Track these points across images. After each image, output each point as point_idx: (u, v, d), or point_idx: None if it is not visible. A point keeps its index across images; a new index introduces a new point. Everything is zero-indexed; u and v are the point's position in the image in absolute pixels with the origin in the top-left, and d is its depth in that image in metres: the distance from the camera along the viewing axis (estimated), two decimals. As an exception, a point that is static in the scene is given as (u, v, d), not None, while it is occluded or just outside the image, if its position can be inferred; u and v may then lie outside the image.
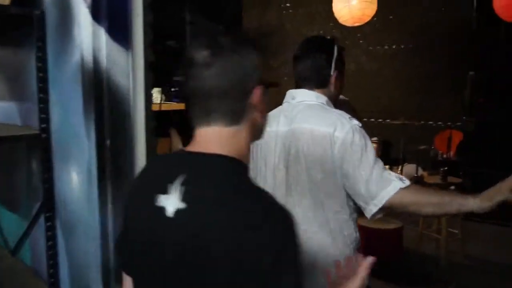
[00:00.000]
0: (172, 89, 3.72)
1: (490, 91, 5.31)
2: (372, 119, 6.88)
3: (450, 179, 4.77)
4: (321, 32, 7.48)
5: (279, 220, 0.88)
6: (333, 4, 5.19)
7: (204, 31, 1.07)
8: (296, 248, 0.87)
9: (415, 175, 5.02)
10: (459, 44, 6.00)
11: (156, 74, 1.88)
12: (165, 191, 0.92)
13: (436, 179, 4.79)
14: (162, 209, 0.92)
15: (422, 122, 6.35)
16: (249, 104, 0.97)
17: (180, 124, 3.57)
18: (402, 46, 6.65)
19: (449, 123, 6.05)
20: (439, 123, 6.30)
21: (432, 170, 5.20)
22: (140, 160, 1.82)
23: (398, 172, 5.45)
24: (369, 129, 1.80)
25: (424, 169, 5.54)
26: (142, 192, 1.01)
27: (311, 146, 1.62)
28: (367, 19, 5.12)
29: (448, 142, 5.41)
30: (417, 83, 6.48)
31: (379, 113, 6.90)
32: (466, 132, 5.25)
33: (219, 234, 0.85)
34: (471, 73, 5.67)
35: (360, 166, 1.55)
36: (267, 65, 8.24)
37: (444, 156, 5.75)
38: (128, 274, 1.08)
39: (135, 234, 1.01)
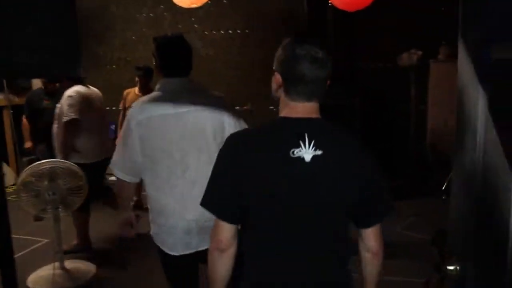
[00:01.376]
0: None
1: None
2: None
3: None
4: (151, 15, 6.84)
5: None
6: (166, -16, 4.66)
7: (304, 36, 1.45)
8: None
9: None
10: (295, 28, 6.06)
11: None
12: (298, 145, 1.30)
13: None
14: (299, 159, 1.30)
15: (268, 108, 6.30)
16: None
17: None
18: (238, 31, 6.46)
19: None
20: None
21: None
22: None
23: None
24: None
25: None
26: (273, 150, 1.33)
27: None
28: (205, 0, 4.72)
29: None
30: (256, 70, 6.40)
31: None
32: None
33: (350, 164, 1.36)
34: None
35: None
36: (92, 52, 7.27)
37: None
38: (238, 222, 1.39)
39: (267, 184, 1.32)
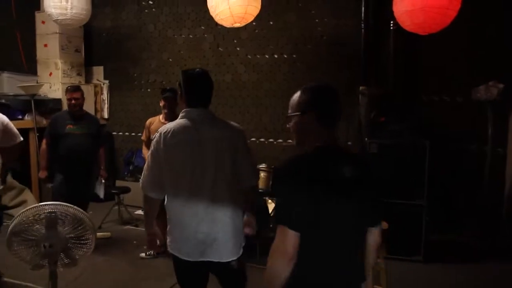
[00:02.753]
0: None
1: (390, 108, 4.69)
2: (253, 138, 5.92)
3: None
4: (190, 36, 6.34)
5: None
6: (208, 0, 4.10)
7: None
8: None
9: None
10: (348, 55, 5.38)
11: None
12: (344, 170, 1.64)
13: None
14: (346, 178, 1.63)
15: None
16: None
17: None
18: (285, 56, 5.83)
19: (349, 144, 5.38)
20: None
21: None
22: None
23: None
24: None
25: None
26: (333, 174, 1.62)
27: None
28: (250, 18, 4.12)
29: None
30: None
31: (260, 131, 5.98)
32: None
33: (370, 178, 1.72)
34: (362, 88, 5.02)
35: None
36: (126, 73, 6.83)
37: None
38: (304, 231, 1.57)
39: (333, 201, 1.61)
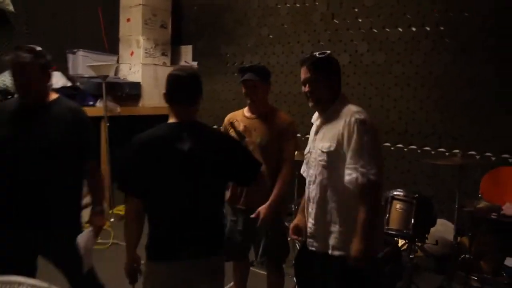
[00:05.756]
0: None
1: None
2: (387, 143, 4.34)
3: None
4: (296, 4, 4.92)
5: None
6: None
7: None
8: None
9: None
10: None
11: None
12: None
13: None
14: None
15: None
16: None
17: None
18: (427, 28, 4.14)
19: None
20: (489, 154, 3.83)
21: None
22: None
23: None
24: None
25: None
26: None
27: None
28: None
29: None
30: (454, 91, 4.02)
31: (387, 133, 4.37)
32: None
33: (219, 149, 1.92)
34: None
35: None
36: (219, 53, 5.65)
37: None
38: (142, 195, 1.83)
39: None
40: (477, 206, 3.18)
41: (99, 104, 4.93)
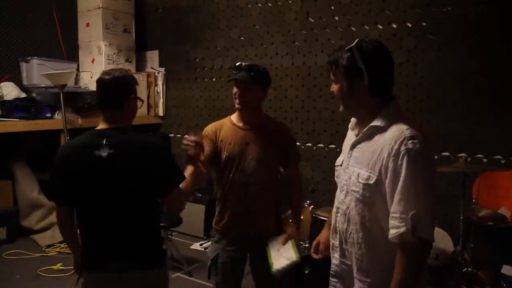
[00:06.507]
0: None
1: None
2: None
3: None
4: (268, 4, 4.64)
5: None
6: None
7: None
8: None
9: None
10: None
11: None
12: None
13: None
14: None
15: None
16: None
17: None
18: (409, 25, 3.92)
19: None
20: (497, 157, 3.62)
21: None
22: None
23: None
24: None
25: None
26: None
27: None
28: None
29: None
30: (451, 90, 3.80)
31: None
32: None
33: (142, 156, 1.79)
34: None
35: None
36: (186, 58, 5.31)
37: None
38: (69, 203, 1.84)
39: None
40: (479, 215, 2.94)
41: (57, 116, 4.51)
